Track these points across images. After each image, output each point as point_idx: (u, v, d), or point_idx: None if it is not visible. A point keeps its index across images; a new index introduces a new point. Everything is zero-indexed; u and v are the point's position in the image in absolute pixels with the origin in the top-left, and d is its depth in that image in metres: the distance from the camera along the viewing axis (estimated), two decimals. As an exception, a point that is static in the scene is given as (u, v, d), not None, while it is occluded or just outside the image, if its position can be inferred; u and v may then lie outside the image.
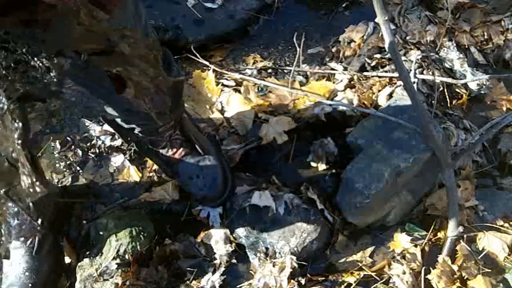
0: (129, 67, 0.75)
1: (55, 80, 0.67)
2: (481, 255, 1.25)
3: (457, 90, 1.57)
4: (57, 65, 0.66)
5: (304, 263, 1.23)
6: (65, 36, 0.64)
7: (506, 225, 1.31)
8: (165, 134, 1.28)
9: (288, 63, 1.72)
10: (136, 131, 1.23)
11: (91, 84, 0.97)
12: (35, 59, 0.65)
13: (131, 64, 0.75)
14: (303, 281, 1.19)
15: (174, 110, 1.20)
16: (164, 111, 1.16)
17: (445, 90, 1.54)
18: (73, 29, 0.64)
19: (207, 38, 1.73)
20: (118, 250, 1.25)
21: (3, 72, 0.64)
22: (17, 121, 0.89)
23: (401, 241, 1.27)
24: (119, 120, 1.19)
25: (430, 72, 1.54)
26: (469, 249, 1.25)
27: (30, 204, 1.18)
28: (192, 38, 1.72)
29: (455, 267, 1.21)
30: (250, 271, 1.26)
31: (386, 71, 1.57)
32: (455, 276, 1.20)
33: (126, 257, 1.24)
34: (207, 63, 1.67)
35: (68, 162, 1.47)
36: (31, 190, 1.08)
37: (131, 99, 0.92)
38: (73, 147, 1.50)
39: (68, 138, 1.52)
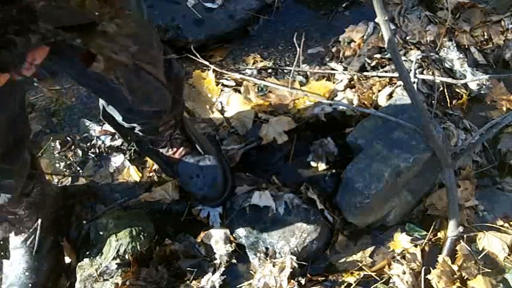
0: (106, 43, 0.72)
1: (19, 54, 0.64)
2: (481, 255, 1.25)
3: (457, 90, 1.57)
4: (22, 42, 0.63)
5: (304, 263, 1.23)
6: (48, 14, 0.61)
7: (506, 225, 1.31)
8: (166, 133, 1.28)
9: (288, 63, 1.72)
10: (136, 130, 1.23)
11: (63, 64, 0.92)
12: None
13: (111, 41, 0.72)
14: (303, 281, 1.19)
15: (174, 108, 1.20)
16: (164, 110, 1.16)
17: (445, 90, 1.54)
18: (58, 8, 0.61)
19: (207, 38, 1.73)
20: (118, 250, 1.25)
21: None
22: None
23: (401, 241, 1.27)
24: (119, 119, 1.19)
25: (430, 72, 1.54)
26: (469, 249, 1.25)
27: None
28: (192, 38, 1.72)
29: (455, 267, 1.21)
30: (250, 271, 1.26)
31: (386, 71, 1.57)
32: (455, 276, 1.20)
33: (126, 257, 1.24)
34: (207, 63, 1.66)
35: (68, 162, 1.47)
36: None
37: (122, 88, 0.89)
38: (73, 147, 1.50)
39: (68, 138, 1.52)
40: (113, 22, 0.67)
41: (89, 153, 1.49)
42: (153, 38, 0.99)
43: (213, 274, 1.22)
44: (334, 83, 1.59)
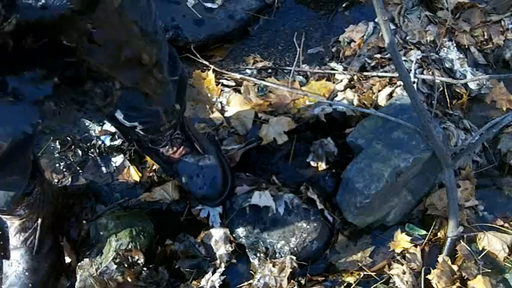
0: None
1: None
2: (481, 255, 1.25)
3: (457, 90, 1.57)
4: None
5: (304, 263, 1.23)
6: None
7: (506, 225, 1.31)
8: (166, 132, 1.27)
9: (288, 63, 1.72)
10: (137, 129, 1.23)
11: None
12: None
13: None
14: (303, 281, 1.19)
15: (177, 108, 1.20)
16: (167, 109, 1.15)
17: (445, 90, 1.54)
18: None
19: (207, 38, 1.73)
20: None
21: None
22: None
23: (401, 241, 1.27)
24: (120, 118, 1.18)
25: (430, 72, 1.54)
26: (469, 249, 1.25)
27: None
28: (192, 38, 1.72)
29: (455, 267, 1.21)
30: (250, 271, 1.26)
31: (386, 71, 1.57)
32: (455, 276, 1.20)
33: (126, 257, 1.24)
34: (207, 63, 1.66)
35: (68, 162, 1.47)
36: None
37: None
38: (73, 147, 1.50)
39: (68, 138, 1.52)
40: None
41: (89, 153, 1.49)
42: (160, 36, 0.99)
43: (213, 274, 1.22)
44: (334, 83, 1.59)
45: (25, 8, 0.56)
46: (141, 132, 1.24)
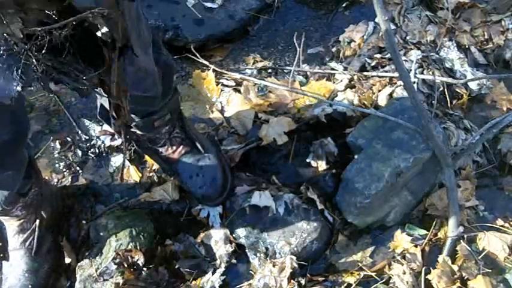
0: None
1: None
2: (481, 255, 1.25)
3: (457, 90, 1.57)
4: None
5: (304, 263, 1.23)
6: None
7: (506, 225, 1.31)
8: (162, 129, 1.26)
9: (288, 63, 1.72)
10: (133, 127, 1.22)
11: None
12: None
13: None
14: (303, 281, 1.19)
15: (165, 96, 1.18)
16: (155, 96, 1.14)
17: (445, 90, 1.54)
18: None
19: (207, 38, 1.73)
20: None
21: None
22: None
23: (401, 241, 1.27)
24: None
25: (430, 72, 1.54)
26: (469, 249, 1.25)
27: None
28: (192, 38, 1.72)
29: (455, 267, 1.21)
30: (250, 271, 1.26)
31: (386, 71, 1.57)
32: (456, 276, 1.20)
33: (126, 257, 1.24)
34: (207, 63, 1.66)
35: (68, 162, 1.47)
36: None
37: None
38: (73, 147, 1.50)
39: (68, 138, 1.52)
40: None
41: (89, 153, 1.49)
42: (142, 23, 0.98)
43: (213, 274, 1.22)
44: (334, 83, 1.59)
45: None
46: (138, 131, 1.23)
